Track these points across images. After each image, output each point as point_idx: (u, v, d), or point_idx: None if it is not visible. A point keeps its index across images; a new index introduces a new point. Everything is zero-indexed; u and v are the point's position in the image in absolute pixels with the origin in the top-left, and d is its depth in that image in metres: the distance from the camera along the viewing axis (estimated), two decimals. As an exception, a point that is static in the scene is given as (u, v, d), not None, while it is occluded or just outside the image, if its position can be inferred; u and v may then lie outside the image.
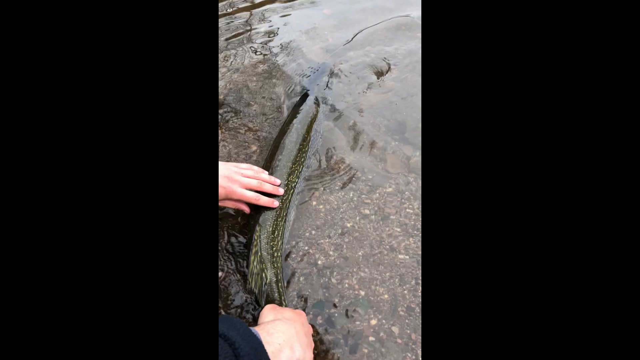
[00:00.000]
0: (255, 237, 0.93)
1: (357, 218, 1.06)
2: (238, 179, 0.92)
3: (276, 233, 0.95)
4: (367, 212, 1.08)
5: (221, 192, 0.89)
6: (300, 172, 1.09)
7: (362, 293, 0.92)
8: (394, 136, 1.26)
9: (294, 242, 1.01)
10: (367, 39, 1.68)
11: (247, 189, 0.93)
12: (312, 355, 0.68)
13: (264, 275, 0.88)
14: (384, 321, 0.88)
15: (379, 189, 1.12)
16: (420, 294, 0.91)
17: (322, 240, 1.02)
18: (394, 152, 1.22)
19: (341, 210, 1.08)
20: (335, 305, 0.90)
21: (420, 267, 0.96)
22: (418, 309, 0.89)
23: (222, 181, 0.89)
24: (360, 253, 0.99)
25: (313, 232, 1.04)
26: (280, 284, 0.89)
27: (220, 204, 0.93)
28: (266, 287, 0.87)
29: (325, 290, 0.93)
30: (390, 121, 1.31)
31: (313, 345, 0.72)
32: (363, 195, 1.11)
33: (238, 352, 0.48)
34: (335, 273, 0.95)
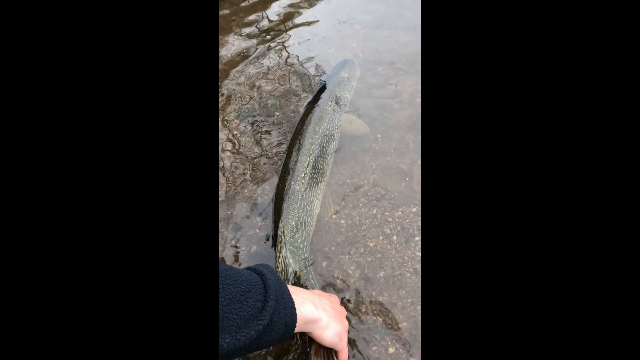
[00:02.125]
0: (280, 234, 0.93)
1: (380, 237, 1.02)
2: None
3: (299, 225, 0.96)
4: (388, 231, 1.03)
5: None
6: (315, 163, 1.10)
7: (380, 319, 0.87)
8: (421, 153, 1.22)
9: (312, 257, 0.98)
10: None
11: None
12: (343, 325, 0.67)
13: (291, 270, 0.88)
14: (401, 351, 0.83)
15: (402, 207, 1.08)
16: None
17: (342, 257, 0.98)
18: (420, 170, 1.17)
19: (364, 227, 1.04)
20: (353, 329, 0.86)
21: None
22: (439, 341, 0.84)
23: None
24: (381, 274, 0.95)
25: (333, 247, 1.00)
26: (310, 275, 0.90)
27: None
28: (291, 281, 0.87)
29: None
30: (418, 138, 1.27)
31: (345, 323, 0.70)
32: (386, 213, 1.07)
33: (266, 279, 0.55)
34: (354, 295, 0.91)
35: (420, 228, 1.04)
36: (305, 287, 0.87)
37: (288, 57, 1.64)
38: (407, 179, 1.16)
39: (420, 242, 1.01)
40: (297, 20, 1.88)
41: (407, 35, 1.71)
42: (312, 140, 1.15)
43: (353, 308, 0.89)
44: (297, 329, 0.58)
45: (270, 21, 1.88)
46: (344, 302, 0.90)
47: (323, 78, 1.48)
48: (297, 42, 1.73)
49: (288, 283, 0.84)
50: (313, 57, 1.63)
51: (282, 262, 0.89)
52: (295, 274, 0.88)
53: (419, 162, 1.20)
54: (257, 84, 1.51)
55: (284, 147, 1.26)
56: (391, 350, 0.83)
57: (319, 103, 1.29)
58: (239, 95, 1.46)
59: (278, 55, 1.65)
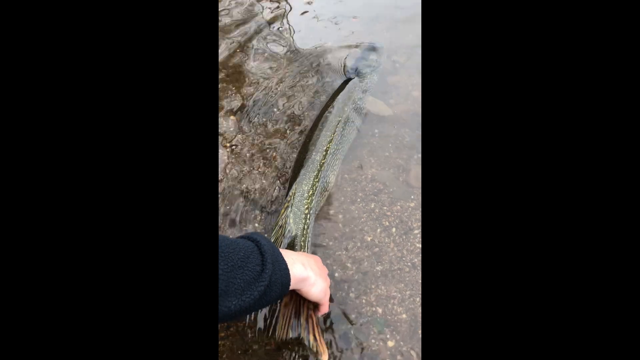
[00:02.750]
0: (290, 194, 0.99)
1: (378, 230, 1.02)
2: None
3: (310, 193, 1.01)
4: (387, 224, 1.03)
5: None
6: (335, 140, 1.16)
7: (380, 311, 0.87)
8: (419, 148, 1.22)
9: (310, 252, 0.97)
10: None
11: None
12: (326, 282, 0.75)
13: (289, 228, 0.93)
14: (402, 343, 0.83)
15: (400, 202, 1.08)
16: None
17: (339, 252, 0.98)
18: (418, 165, 1.17)
19: (362, 220, 1.04)
20: (351, 322, 0.85)
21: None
22: (439, 333, 0.84)
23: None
24: (379, 267, 0.95)
25: (330, 242, 1.00)
26: (304, 240, 0.93)
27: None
28: (288, 238, 0.91)
29: (343, 305, 0.88)
30: (415, 132, 1.27)
31: (328, 280, 0.77)
32: (385, 207, 1.07)
33: (261, 246, 0.60)
34: (352, 288, 0.91)
35: (418, 221, 1.04)
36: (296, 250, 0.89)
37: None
38: (404, 173, 1.16)
39: (419, 235, 1.01)
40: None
41: (405, 28, 1.72)
42: (339, 119, 1.22)
43: (353, 299, 0.89)
44: (290, 287, 0.65)
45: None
46: (342, 295, 0.90)
47: (352, 61, 1.54)
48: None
49: (284, 240, 0.90)
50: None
51: (283, 219, 0.94)
52: (292, 234, 0.93)
53: (416, 156, 1.20)
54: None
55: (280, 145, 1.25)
56: (390, 343, 0.83)
57: (347, 86, 1.37)
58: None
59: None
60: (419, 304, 0.89)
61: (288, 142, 1.26)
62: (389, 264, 0.96)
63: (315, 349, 0.72)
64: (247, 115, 1.35)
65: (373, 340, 0.83)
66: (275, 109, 1.38)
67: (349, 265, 0.95)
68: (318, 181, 1.05)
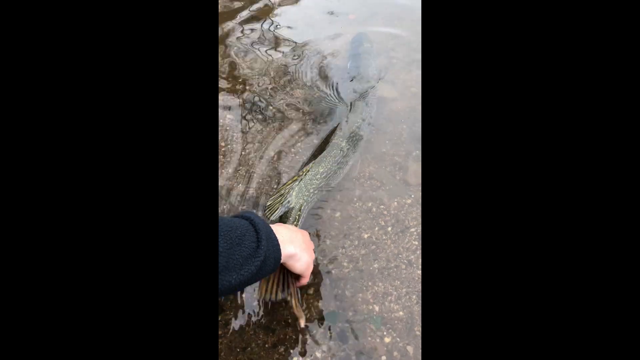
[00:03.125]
0: (304, 170, 1.04)
1: (376, 229, 1.02)
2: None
3: (324, 175, 1.05)
4: (383, 223, 1.04)
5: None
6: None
7: (377, 309, 0.88)
8: (416, 145, 1.22)
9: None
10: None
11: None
12: (311, 257, 0.80)
13: (289, 199, 0.97)
14: (398, 339, 0.84)
15: (397, 199, 1.08)
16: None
17: (336, 251, 0.98)
18: (415, 162, 1.18)
19: (359, 219, 1.04)
20: (347, 320, 0.86)
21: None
22: (435, 330, 0.85)
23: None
24: (375, 265, 0.95)
25: (327, 240, 1.00)
26: (299, 215, 0.96)
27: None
28: (285, 208, 0.96)
29: (339, 302, 0.89)
30: (412, 128, 1.27)
31: (313, 255, 0.82)
32: (382, 206, 1.07)
33: (255, 224, 0.65)
34: (349, 285, 0.92)
35: (415, 219, 1.04)
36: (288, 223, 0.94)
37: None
38: (401, 171, 1.16)
39: (415, 233, 1.01)
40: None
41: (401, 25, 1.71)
42: (367, 108, 1.28)
43: (350, 297, 0.90)
44: (282, 260, 0.72)
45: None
46: (339, 293, 0.91)
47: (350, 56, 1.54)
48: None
49: (280, 208, 0.96)
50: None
51: (287, 190, 0.99)
52: (290, 205, 0.97)
53: (414, 153, 1.20)
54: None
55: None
56: (387, 339, 0.84)
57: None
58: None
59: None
60: (415, 301, 0.89)
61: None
62: (385, 261, 0.96)
63: (295, 311, 0.80)
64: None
65: (370, 338, 0.84)
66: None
67: (345, 263, 0.96)
68: (337, 167, 1.08)
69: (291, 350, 0.82)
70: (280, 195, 0.98)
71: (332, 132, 1.20)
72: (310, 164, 1.05)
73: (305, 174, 1.03)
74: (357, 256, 0.97)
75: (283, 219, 0.95)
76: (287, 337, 0.84)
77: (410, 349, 0.82)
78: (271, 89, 1.43)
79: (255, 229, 0.64)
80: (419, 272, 0.94)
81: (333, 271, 0.94)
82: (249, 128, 1.30)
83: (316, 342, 0.83)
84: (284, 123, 1.30)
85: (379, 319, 0.87)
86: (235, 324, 0.86)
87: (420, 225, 1.03)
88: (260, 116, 1.33)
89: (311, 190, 1.01)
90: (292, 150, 1.22)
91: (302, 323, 0.81)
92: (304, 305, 0.89)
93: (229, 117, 1.34)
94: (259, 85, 1.45)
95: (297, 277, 0.82)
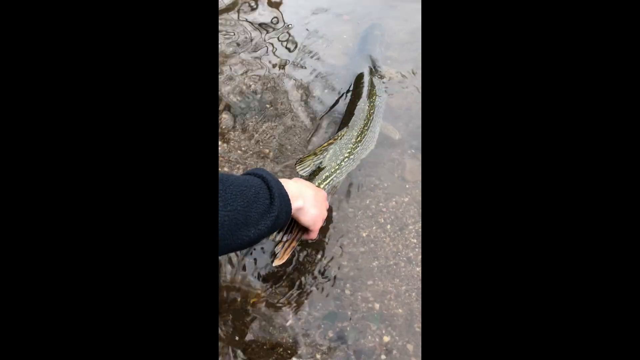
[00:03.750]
0: (339, 134, 1.06)
1: (374, 227, 1.02)
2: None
3: (359, 139, 1.07)
4: (382, 220, 1.03)
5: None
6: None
7: (377, 307, 0.88)
8: (412, 142, 1.22)
9: (305, 249, 0.98)
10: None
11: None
12: (320, 213, 0.84)
13: (322, 160, 1.00)
14: (397, 338, 0.84)
15: (395, 197, 1.08)
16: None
17: (335, 249, 0.98)
18: (411, 158, 1.17)
19: (357, 217, 1.04)
20: (347, 319, 0.86)
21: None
22: (435, 327, 0.84)
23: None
24: (375, 264, 0.95)
25: (326, 239, 1.00)
26: (328, 177, 0.98)
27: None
28: (315, 166, 1.00)
29: (338, 301, 0.89)
30: (408, 126, 1.27)
31: (324, 213, 0.86)
32: (380, 204, 1.07)
33: (267, 181, 0.69)
34: (348, 284, 0.92)
35: (413, 217, 1.04)
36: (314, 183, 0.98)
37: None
38: (399, 168, 1.16)
39: (413, 231, 1.01)
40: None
41: (397, 23, 1.71)
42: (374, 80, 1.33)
43: (349, 295, 0.89)
44: (292, 213, 0.77)
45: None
46: (338, 292, 0.91)
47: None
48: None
49: (312, 165, 1.00)
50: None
51: (321, 151, 1.01)
52: (322, 166, 1.00)
53: (409, 151, 1.20)
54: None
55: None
56: (386, 338, 0.84)
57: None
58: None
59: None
60: (415, 298, 0.89)
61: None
62: (384, 259, 0.96)
63: (276, 254, 0.85)
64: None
65: (369, 337, 0.84)
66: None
67: (344, 262, 0.96)
68: (367, 129, 1.10)
69: (289, 352, 0.82)
70: (314, 155, 1.01)
71: (356, 97, 1.24)
72: (344, 129, 1.08)
73: (340, 139, 1.05)
74: (357, 254, 0.97)
75: (311, 177, 0.98)
76: (285, 340, 0.84)
77: (410, 347, 0.82)
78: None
79: (268, 186, 0.69)
80: (418, 269, 0.94)
81: (332, 270, 0.94)
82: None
83: (315, 343, 0.83)
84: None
85: (378, 317, 0.86)
86: (234, 325, 0.86)
87: (418, 223, 1.03)
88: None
89: (346, 154, 1.03)
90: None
91: (276, 263, 0.85)
92: (293, 259, 0.94)
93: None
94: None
95: (306, 230, 0.86)
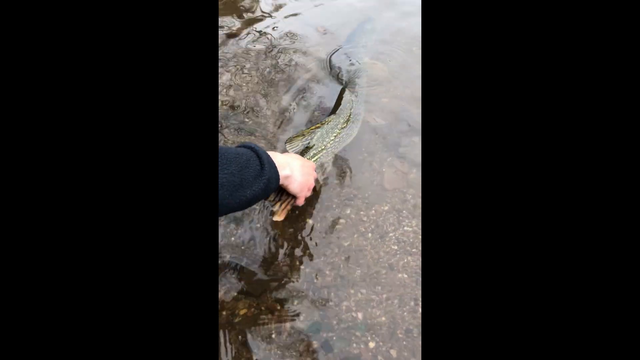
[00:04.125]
0: (328, 120, 1.21)
1: (355, 236, 1.04)
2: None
3: (344, 125, 1.21)
4: (363, 229, 1.06)
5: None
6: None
7: (360, 315, 0.90)
8: (391, 152, 1.25)
9: (289, 260, 0.99)
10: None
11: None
12: (306, 180, 0.94)
13: (310, 140, 1.13)
14: (381, 344, 0.85)
15: (375, 206, 1.11)
16: (419, 315, 0.89)
17: (317, 260, 1.00)
18: (390, 168, 1.20)
19: (338, 227, 1.06)
20: (332, 329, 0.87)
21: (419, 287, 0.94)
22: (417, 331, 0.87)
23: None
24: (357, 273, 0.97)
25: (308, 250, 1.02)
26: (315, 155, 1.12)
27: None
28: (303, 146, 1.12)
29: (322, 312, 0.90)
30: (386, 138, 1.30)
31: (310, 182, 0.97)
32: (361, 212, 1.09)
33: (256, 150, 0.78)
34: (332, 294, 0.93)
35: (392, 225, 1.06)
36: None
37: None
38: (378, 176, 1.18)
39: (394, 238, 1.04)
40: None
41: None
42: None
43: (334, 306, 0.91)
44: (280, 182, 0.86)
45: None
46: (323, 303, 0.92)
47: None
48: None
49: (299, 145, 1.12)
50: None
51: (309, 133, 1.14)
52: (311, 145, 1.13)
53: (389, 159, 1.23)
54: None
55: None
56: (371, 344, 0.85)
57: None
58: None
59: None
60: (397, 305, 0.91)
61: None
62: (366, 267, 0.98)
63: (275, 211, 0.97)
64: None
65: (355, 345, 0.85)
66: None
67: (327, 272, 0.97)
68: (350, 117, 1.25)
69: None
70: (302, 136, 1.13)
71: (343, 90, 1.39)
72: (332, 116, 1.23)
73: (328, 124, 1.19)
74: (339, 264, 0.99)
75: (302, 154, 1.10)
76: (272, 352, 0.85)
77: (393, 352, 0.84)
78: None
79: (257, 155, 0.78)
80: (400, 275, 0.97)
81: (315, 280, 0.96)
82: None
83: (300, 355, 0.84)
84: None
85: (363, 327, 0.88)
86: (222, 341, 0.86)
87: (399, 230, 1.05)
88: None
89: (332, 138, 1.16)
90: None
91: (276, 218, 0.96)
92: (287, 219, 1.03)
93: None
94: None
95: (294, 197, 0.97)
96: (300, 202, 0.98)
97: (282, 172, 0.85)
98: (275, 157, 0.85)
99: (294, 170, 0.90)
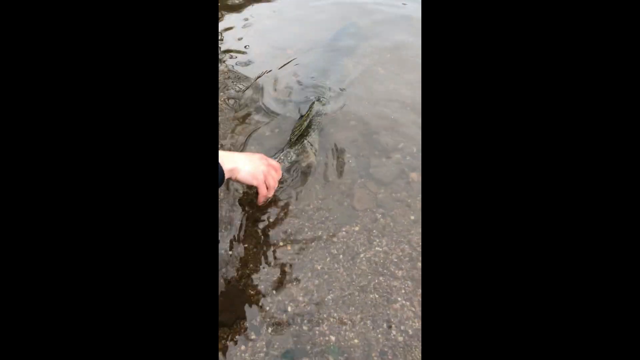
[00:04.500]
0: (307, 113, 1.40)
1: (328, 259, 1.05)
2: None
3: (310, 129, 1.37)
4: (334, 251, 1.07)
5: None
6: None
7: (333, 339, 0.90)
8: (361, 173, 1.28)
9: (262, 288, 0.99)
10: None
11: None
12: (254, 167, 1.00)
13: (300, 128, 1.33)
14: (356, 367, 0.86)
15: (345, 226, 1.12)
16: (393, 336, 0.90)
17: (289, 285, 1.00)
18: (361, 189, 1.23)
19: (309, 250, 1.07)
20: (306, 353, 0.87)
21: (389, 307, 0.95)
22: (391, 353, 0.88)
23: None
24: (330, 296, 0.98)
25: (281, 275, 1.02)
26: (297, 135, 1.30)
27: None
28: (294, 137, 1.30)
29: (296, 338, 0.90)
30: (357, 158, 1.33)
31: (263, 168, 1.02)
32: (331, 233, 1.11)
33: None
34: (306, 320, 0.93)
35: (363, 245, 1.08)
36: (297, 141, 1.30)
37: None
38: (348, 198, 1.21)
39: (364, 259, 1.05)
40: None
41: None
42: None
43: (307, 331, 0.91)
44: (226, 176, 0.95)
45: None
46: (296, 329, 0.92)
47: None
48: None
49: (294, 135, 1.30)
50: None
51: (304, 120, 1.35)
52: (295, 130, 1.32)
53: (359, 181, 1.26)
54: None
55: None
56: (346, 369, 0.85)
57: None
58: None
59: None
60: (370, 327, 0.92)
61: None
62: (339, 290, 0.99)
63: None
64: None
65: (329, 370, 0.85)
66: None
67: (300, 298, 0.97)
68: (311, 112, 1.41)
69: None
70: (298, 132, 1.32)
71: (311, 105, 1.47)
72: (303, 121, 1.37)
73: (310, 113, 1.39)
74: (312, 289, 0.99)
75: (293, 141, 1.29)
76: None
77: (368, 375, 0.84)
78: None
79: None
80: (372, 296, 0.98)
81: (289, 307, 0.95)
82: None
83: (276, 383, 0.83)
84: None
85: (337, 350, 0.88)
86: None
87: (370, 250, 1.07)
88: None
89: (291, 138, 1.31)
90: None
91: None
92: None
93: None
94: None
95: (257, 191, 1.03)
96: (262, 190, 1.02)
97: (226, 166, 0.93)
98: (220, 155, 0.93)
99: (238, 162, 0.97)
